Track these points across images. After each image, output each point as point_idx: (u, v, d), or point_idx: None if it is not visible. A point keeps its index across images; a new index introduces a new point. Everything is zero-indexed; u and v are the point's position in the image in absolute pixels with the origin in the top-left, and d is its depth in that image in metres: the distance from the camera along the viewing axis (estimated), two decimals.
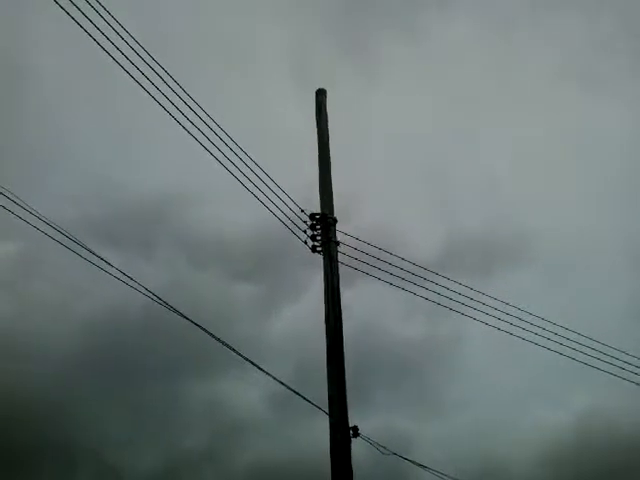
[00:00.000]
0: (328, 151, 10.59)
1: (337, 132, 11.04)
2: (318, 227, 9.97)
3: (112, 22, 7.99)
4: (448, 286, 10.91)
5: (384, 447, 9.74)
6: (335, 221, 10.03)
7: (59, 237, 8.29)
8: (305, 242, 9.95)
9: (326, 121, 10.85)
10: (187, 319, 8.86)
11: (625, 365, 11.87)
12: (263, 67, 27.57)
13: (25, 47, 25.10)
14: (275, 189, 9.88)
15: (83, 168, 24.68)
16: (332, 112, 11.00)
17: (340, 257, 9.96)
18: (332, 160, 10.56)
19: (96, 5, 7.78)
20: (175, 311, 8.86)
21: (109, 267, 8.60)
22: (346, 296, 9.87)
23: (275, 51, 28.07)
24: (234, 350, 9.08)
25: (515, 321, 11.20)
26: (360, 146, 25.43)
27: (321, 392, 9.12)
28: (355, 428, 8.88)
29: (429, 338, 23.47)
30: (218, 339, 8.99)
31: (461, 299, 10.96)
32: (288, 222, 9.95)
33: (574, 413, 21.59)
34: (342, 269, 9.94)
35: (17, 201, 7.91)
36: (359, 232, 10.48)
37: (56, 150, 24.69)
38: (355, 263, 10.27)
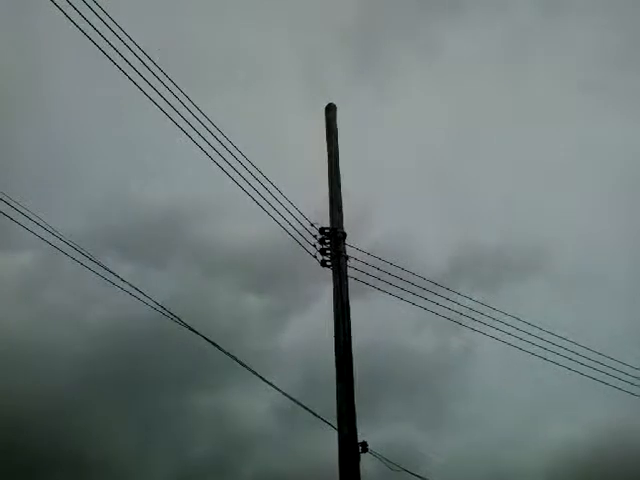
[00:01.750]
0: (338, 165, 10.60)
1: (349, 146, 11.06)
2: (328, 241, 9.98)
3: (126, 39, 8.07)
4: (459, 301, 10.89)
5: (393, 463, 9.70)
6: (345, 235, 10.04)
7: (69, 249, 8.35)
8: (315, 256, 9.96)
9: (336, 136, 10.87)
10: (195, 332, 8.88)
11: (636, 380, 11.79)
12: (275, 82, 27.74)
13: (40, 59, 25.37)
14: (285, 203, 9.94)
15: (98, 180, 24.97)
16: (345, 126, 11.03)
17: (350, 271, 9.98)
18: (343, 174, 10.58)
19: (110, 22, 7.86)
20: (183, 324, 8.89)
21: (119, 280, 8.64)
22: (357, 309, 9.86)
23: (287, 66, 28.25)
24: (242, 364, 9.09)
25: (526, 336, 11.15)
26: (372, 159, 25.48)
27: (330, 405, 9.10)
28: (364, 444, 8.85)
29: (440, 352, 23.38)
30: (227, 353, 9.01)
31: (472, 314, 10.93)
32: (298, 236, 9.98)
33: (587, 429, 21.39)
34: (352, 283, 9.96)
35: (28, 214, 7.97)
36: (371, 246, 10.50)
37: (70, 162, 24.92)
38: (365, 277, 10.27)
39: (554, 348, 11.30)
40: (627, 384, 11.86)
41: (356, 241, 10.21)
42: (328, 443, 9.01)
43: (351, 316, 9.56)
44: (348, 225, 10.21)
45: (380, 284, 10.38)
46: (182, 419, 21.01)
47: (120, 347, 21.20)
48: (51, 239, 8.24)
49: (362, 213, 20.92)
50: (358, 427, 8.89)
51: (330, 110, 11.07)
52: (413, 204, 26.96)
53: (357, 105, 26.01)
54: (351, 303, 9.68)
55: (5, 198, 7.84)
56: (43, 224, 8.14)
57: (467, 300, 10.96)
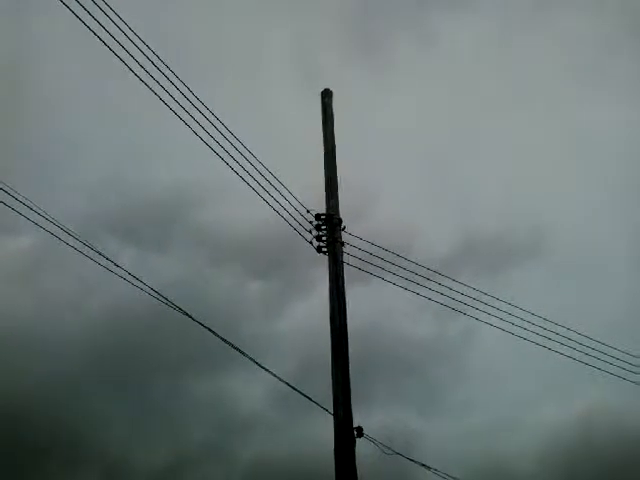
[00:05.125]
0: (334, 151, 10.59)
1: (347, 133, 11.06)
2: (324, 227, 10.01)
3: (124, 27, 8.08)
4: (456, 287, 10.94)
5: (388, 447, 9.77)
6: (340, 221, 10.05)
7: (67, 236, 8.40)
8: (311, 242, 9.99)
9: (332, 121, 10.84)
10: (192, 318, 8.94)
11: (627, 365, 11.90)
12: (270, 68, 27.67)
13: (38, 45, 25.33)
14: (282, 190, 9.95)
15: (100, 166, 25.04)
16: (342, 112, 11.02)
17: (346, 258, 10.02)
18: (341, 161, 10.57)
19: (107, 9, 7.86)
20: (180, 310, 8.94)
21: (116, 266, 8.70)
22: (357, 295, 9.89)
23: (282, 52, 28.16)
24: (238, 349, 9.15)
25: (524, 323, 11.22)
26: (371, 146, 25.47)
27: (326, 389, 9.17)
28: (359, 428, 8.91)
29: (438, 338, 23.51)
30: (223, 339, 9.06)
31: (468, 301, 10.99)
32: (294, 223, 10.00)
33: (579, 412, 21.58)
34: (352, 269, 10.02)
35: (25, 201, 8.01)
36: (370, 232, 10.53)
37: (70, 147, 24.98)
38: (361, 263, 10.30)
39: (550, 335, 11.37)
40: (622, 370, 11.95)
41: (355, 228, 10.25)
42: (324, 428, 9.10)
43: (350, 302, 9.60)
44: (347, 212, 10.25)
45: (376, 270, 10.44)
46: (179, 405, 21.13)
47: (118, 332, 21.29)
48: (49, 226, 8.29)
49: (361, 200, 21.03)
50: (354, 412, 8.96)
51: (326, 95, 11.03)
52: (412, 191, 27.03)
53: (355, 92, 26.01)
54: (351, 289, 9.73)
55: (2, 185, 7.87)
56: (41, 212, 8.17)
57: (464, 287, 11.01)
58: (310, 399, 9.33)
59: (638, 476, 17.97)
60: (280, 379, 9.32)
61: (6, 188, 7.89)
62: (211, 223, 23.52)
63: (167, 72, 8.61)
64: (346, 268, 9.92)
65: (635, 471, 17.72)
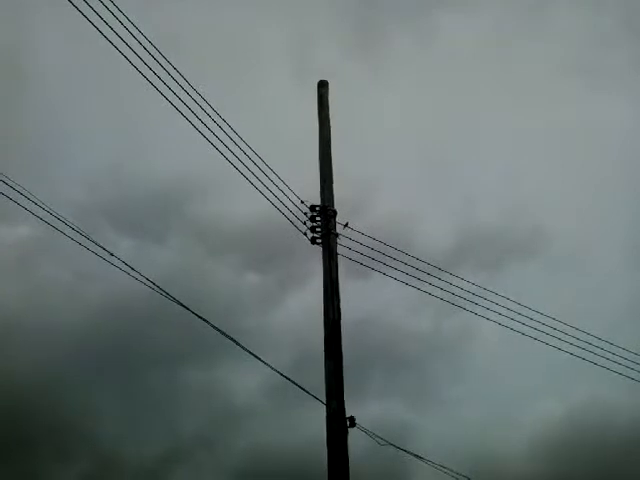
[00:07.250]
0: (329, 143, 10.59)
1: (344, 126, 11.07)
2: (318, 219, 10.02)
3: (124, 19, 8.10)
4: (454, 282, 10.97)
5: (381, 438, 9.84)
6: (335, 213, 10.05)
7: (65, 226, 8.44)
8: (305, 234, 10.00)
9: (327, 112, 10.84)
10: (187, 309, 8.98)
11: (621, 360, 11.95)
12: (268, 60, 27.65)
13: (38, 36, 25.32)
14: (277, 181, 9.96)
15: (99, 157, 25.10)
16: (340, 106, 11.02)
17: (341, 250, 10.05)
18: (338, 154, 10.56)
19: (109, 3, 7.89)
20: (176, 301, 8.99)
21: (113, 257, 8.74)
22: (353, 288, 9.91)
23: (281, 45, 28.15)
24: (233, 340, 9.19)
25: (522, 319, 11.25)
26: (370, 140, 25.48)
27: (321, 381, 9.22)
28: (352, 418, 8.94)
29: (434, 332, 23.58)
30: (218, 329, 9.11)
31: (466, 295, 11.02)
32: (289, 214, 10.01)
33: (574, 408, 21.67)
34: (348, 262, 10.07)
35: (23, 192, 8.05)
36: (368, 225, 10.55)
37: (70, 139, 25.02)
38: (357, 256, 10.33)
39: (548, 330, 11.40)
40: (621, 367, 12.00)
41: (351, 221, 10.26)
42: (318, 418, 9.16)
43: (347, 295, 9.62)
44: (343, 205, 10.27)
45: (371, 263, 10.46)
46: (174, 395, 21.22)
47: (113, 323, 21.34)
48: (47, 216, 8.33)
49: (359, 194, 21.09)
50: (349, 403, 9.00)
51: (322, 86, 11.03)
52: (411, 187, 27.01)
53: (354, 87, 25.97)
54: (349, 282, 9.77)
55: (0, 176, 7.92)
56: (38, 202, 8.21)
57: (462, 282, 11.05)
58: (304, 389, 9.39)
59: (631, 472, 18.09)
60: (274, 369, 9.38)
61: (4, 179, 7.94)
62: (208, 215, 23.60)
63: (165, 64, 8.65)
64: (344, 261, 9.99)
65: (629, 468, 17.86)
